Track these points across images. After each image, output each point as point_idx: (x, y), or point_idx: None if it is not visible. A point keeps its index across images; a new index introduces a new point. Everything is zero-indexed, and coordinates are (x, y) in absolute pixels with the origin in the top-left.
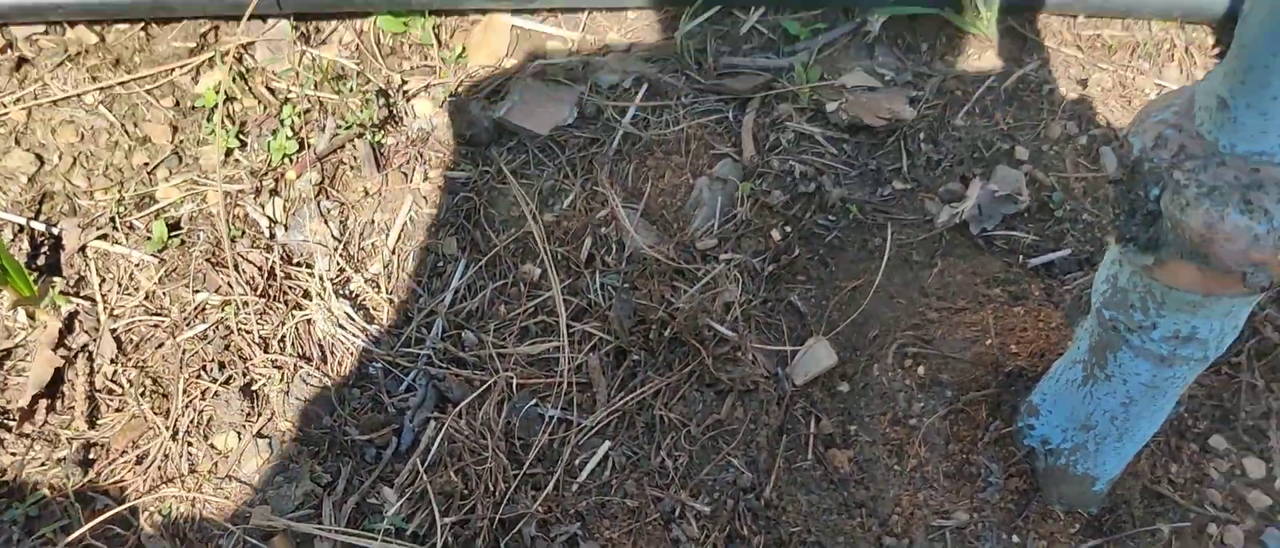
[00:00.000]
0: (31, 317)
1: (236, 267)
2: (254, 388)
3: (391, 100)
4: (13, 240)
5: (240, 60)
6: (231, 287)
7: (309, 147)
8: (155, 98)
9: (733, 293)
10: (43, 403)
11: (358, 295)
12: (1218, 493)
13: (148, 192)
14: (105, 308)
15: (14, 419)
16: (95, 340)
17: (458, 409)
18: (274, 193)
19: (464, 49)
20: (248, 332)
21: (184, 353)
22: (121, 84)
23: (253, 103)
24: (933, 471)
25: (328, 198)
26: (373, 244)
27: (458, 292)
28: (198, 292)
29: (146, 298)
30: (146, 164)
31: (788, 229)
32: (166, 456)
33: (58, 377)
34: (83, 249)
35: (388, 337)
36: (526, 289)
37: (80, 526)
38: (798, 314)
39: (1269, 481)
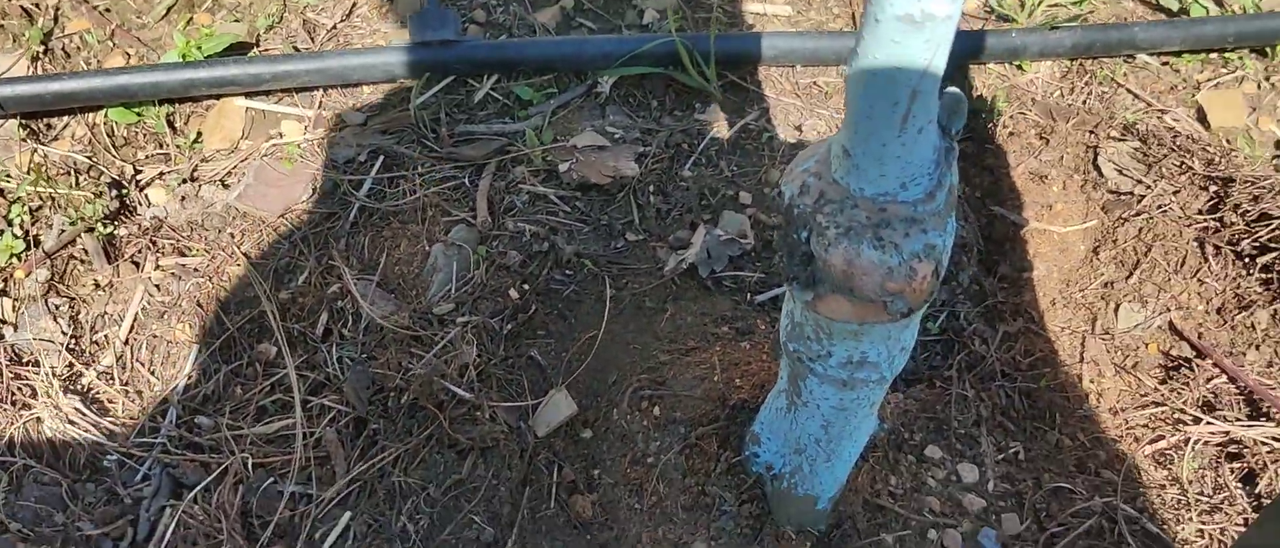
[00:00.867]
0: None
1: None
2: None
3: (124, 191)
4: None
5: None
6: None
7: (38, 244)
8: None
9: (469, 354)
10: None
11: (90, 389)
12: (935, 500)
13: None
14: None
15: None
16: None
17: (192, 495)
18: (2, 293)
19: (199, 134)
20: None
21: None
22: None
23: None
24: (671, 505)
25: (57, 294)
26: (105, 337)
27: (191, 377)
28: None
29: None
30: None
31: (525, 287)
32: None
33: None
34: None
35: (122, 428)
36: (262, 369)
37: None
38: (538, 368)
39: (982, 484)
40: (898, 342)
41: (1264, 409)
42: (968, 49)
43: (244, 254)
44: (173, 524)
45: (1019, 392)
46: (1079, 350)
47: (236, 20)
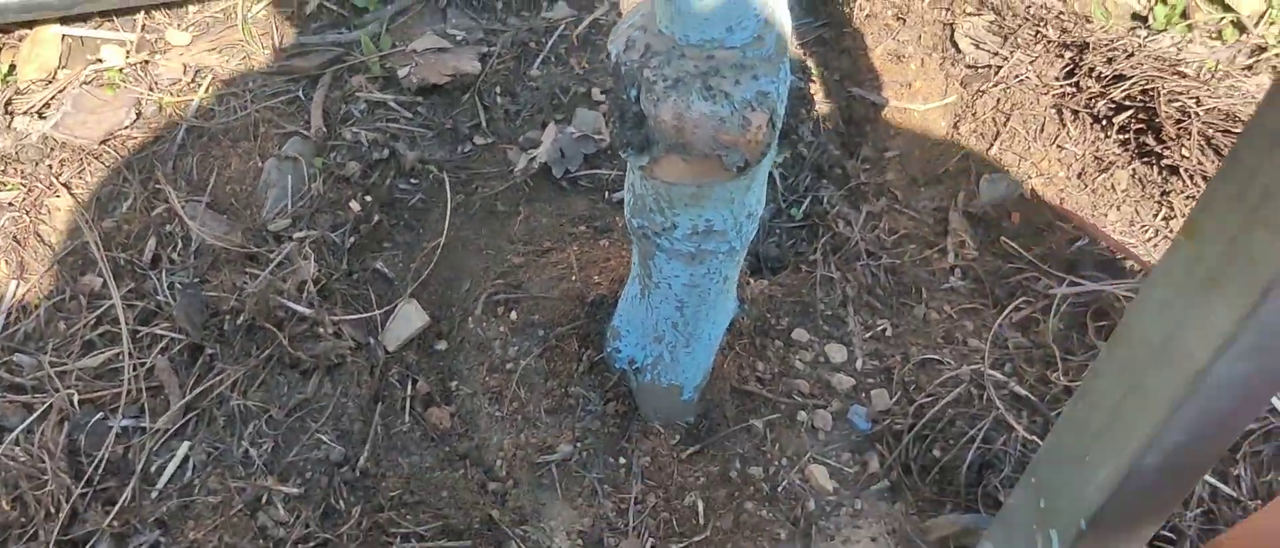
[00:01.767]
0: None
1: None
2: None
3: None
4: None
5: None
6: None
7: None
8: None
9: (308, 269)
10: None
11: None
12: (804, 382)
13: None
14: None
15: None
16: None
17: (13, 436)
18: None
19: (12, 67)
20: None
21: None
22: None
23: None
24: (534, 410)
25: None
26: None
27: (10, 315)
28: None
29: None
30: None
31: (367, 198)
32: None
33: None
34: None
35: None
36: (87, 301)
37: None
38: (385, 281)
39: (851, 363)
40: (742, 206)
41: (1126, 265)
42: None
43: (64, 185)
44: None
45: (884, 269)
46: (943, 225)
47: None
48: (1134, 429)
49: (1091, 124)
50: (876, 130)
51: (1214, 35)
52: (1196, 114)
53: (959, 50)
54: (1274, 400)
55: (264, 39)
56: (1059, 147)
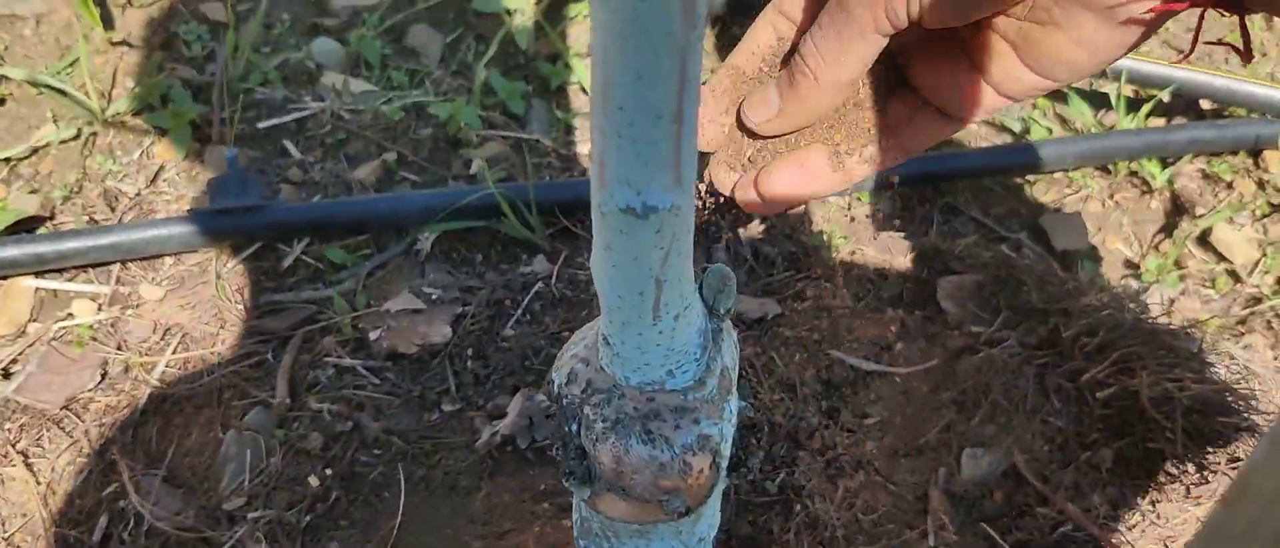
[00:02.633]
0: None
1: None
2: None
3: None
4: None
5: None
6: None
7: None
8: None
9: None
10: None
11: None
12: None
13: None
14: None
15: None
16: None
17: None
18: None
19: None
20: None
21: None
22: None
23: None
24: None
25: None
26: None
27: None
28: None
29: None
30: None
31: (327, 472)
32: None
33: None
34: None
35: None
36: None
37: None
38: None
39: None
40: (692, 535)
41: None
42: None
43: (20, 453)
44: None
45: None
46: (924, 502)
47: (33, 191)
48: None
49: (1075, 397)
50: (857, 395)
51: (1208, 283)
52: (1180, 400)
53: (940, 309)
54: None
55: (238, 294)
56: (1043, 420)
